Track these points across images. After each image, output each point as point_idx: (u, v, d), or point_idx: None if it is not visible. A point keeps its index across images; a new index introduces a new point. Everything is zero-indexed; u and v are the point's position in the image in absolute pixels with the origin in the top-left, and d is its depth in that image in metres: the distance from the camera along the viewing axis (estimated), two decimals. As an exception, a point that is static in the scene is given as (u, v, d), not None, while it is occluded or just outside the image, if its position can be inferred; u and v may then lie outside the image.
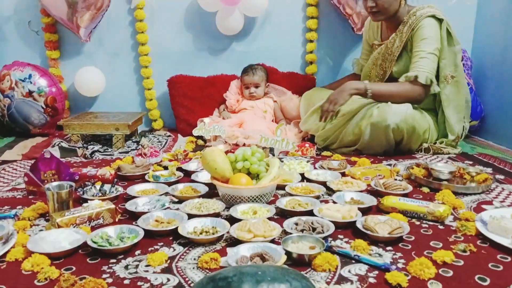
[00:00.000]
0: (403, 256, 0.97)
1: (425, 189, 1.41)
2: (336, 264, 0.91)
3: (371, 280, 0.87)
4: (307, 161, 1.69)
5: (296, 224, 1.09)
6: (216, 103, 2.46)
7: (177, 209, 1.22)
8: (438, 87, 1.85)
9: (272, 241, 1.02)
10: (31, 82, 2.34)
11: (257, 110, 2.35)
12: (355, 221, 1.10)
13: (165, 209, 1.21)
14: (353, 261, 0.94)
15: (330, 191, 1.38)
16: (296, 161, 1.64)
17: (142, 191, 1.38)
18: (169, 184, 1.44)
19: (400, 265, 0.93)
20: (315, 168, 1.61)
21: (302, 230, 1.06)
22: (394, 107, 1.74)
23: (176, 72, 2.46)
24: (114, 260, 0.96)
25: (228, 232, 1.05)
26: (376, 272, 0.90)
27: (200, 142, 2.21)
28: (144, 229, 1.06)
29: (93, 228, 1.10)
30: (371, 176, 1.48)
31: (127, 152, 2.04)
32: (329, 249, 0.97)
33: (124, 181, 1.53)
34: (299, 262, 0.93)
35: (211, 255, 0.93)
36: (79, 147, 2.09)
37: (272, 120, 2.37)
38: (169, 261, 0.95)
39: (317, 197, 1.31)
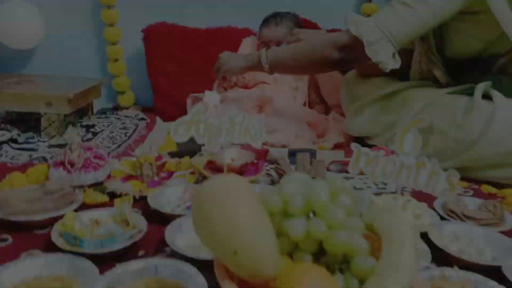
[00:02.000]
0: None
1: None
2: None
3: None
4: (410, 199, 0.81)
5: None
6: (217, 71, 1.66)
7: None
8: (393, 60, 1.03)
9: None
10: None
11: (283, 86, 1.54)
12: None
13: None
14: None
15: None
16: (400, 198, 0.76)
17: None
18: (109, 255, 0.57)
19: None
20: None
21: None
22: None
23: (156, 18, 1.71)
24: None
25: None
26: None
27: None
28: None
29: None
30: None
31: (64, 145, 1.19)
32: None
33: (7, 232, 0.65)
34: None
35: None
36: (-21, 133, 1.25)
37: (304, 103, 1.55)
38: None
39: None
